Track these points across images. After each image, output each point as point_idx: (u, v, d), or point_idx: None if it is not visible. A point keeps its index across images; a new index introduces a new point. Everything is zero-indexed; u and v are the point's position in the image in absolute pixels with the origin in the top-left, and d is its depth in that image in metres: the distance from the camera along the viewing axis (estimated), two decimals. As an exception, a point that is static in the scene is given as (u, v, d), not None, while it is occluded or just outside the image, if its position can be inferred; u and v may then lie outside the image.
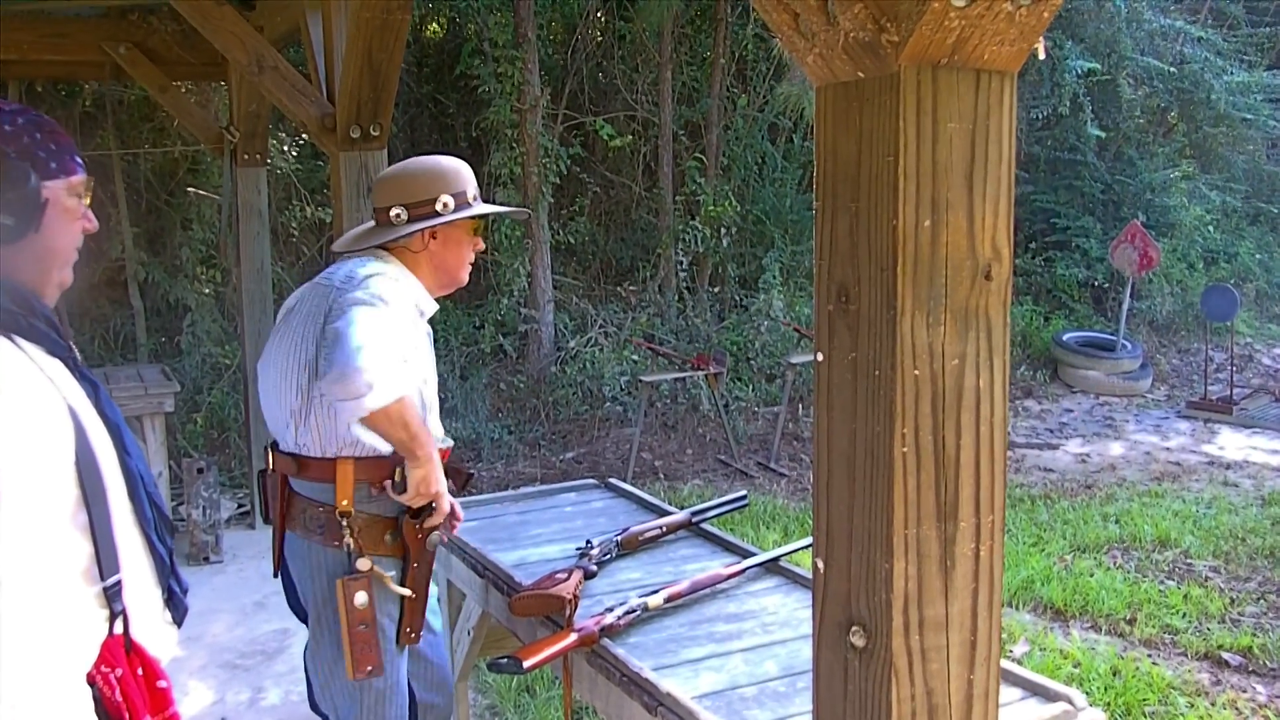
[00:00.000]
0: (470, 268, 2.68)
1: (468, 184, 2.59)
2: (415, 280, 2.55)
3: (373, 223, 2.62)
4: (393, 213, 2.52)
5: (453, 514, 2.53)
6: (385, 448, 2.41)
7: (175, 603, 1.67)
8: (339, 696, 2.48)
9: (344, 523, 2.39)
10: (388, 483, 2.42)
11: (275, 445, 2.53)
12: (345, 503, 2.39)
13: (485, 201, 2.70)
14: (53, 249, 1.57)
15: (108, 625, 1.49)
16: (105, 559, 1.47)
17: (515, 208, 2.76)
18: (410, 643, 2.55)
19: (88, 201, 1.62)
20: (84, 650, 1.46)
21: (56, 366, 1.50)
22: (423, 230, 2.52)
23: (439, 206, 2.51)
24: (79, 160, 1.60)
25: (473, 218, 2.59)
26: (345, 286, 2.40)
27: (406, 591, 2.47)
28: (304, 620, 2.60)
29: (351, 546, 2.39)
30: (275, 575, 2.55)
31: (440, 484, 2.45)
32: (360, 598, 2.36)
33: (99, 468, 1.48)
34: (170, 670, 1.62)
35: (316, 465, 2.41)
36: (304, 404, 2.40)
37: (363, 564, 2.39)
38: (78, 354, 1.58)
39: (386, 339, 2.26)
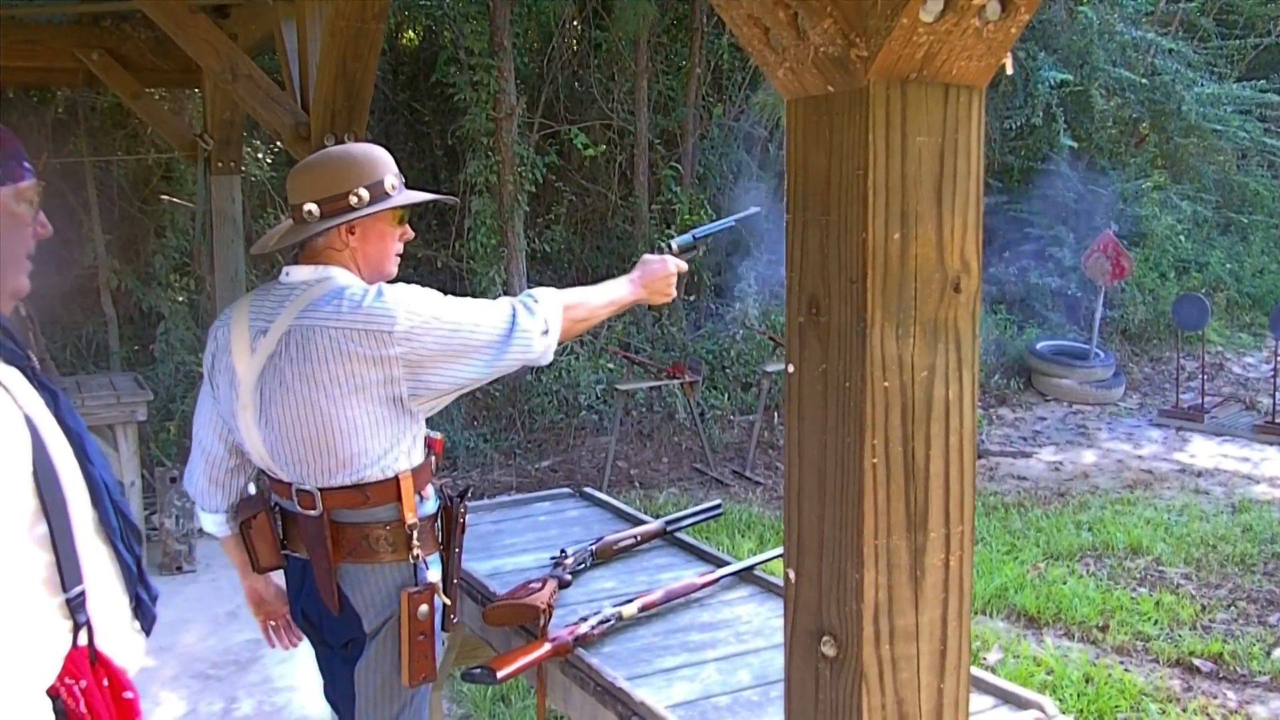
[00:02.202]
0: (398, 259, 2.52)
1: (385, 172, 2.40)
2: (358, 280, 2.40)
3: (290, 221, 2.45)
4: (305, 209, 2.35)
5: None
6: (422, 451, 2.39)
7: (143, 611, 1.65)
8: (389, 704, 2.42)
9: (413, 535, 2.32)
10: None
11: (319, 488, 2.34)
12: (411, 516, 2.32)
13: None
14: (1, 257, 1.55)
15: (71, 636, 1.47)
16: (67, 570, 1.45)
17: (440, 195, 2.60)
18: (453, 626, 2.53)
19: (37, 206, 1.60)
20: (46, 663, 1.44)
21: (13, 376, 1.48)
22: (338, 226, 2.35)
23: (352, 200, 2.33)
24: (27, 165, 1.57)
25: (390, 209, 2.40)
26: (351, 311, 2.22)
27: (448, 601, 2.44)
28: (335, 649, 2.47)
29: (419, 555, 2.33)
30: (338, 613, 2.37)
31: (666, 287, 2.73)
32: (424, 610, 2.32)
33: (58, 478, 1.46)
34: (142, 681, 1.60)
35: (381, 488, 2.31)
36: (380, 439, 2.28)
37: (433, 575, 2.37)
38: (36, 363, 1.55)
39: (464, 304, 2.31)
